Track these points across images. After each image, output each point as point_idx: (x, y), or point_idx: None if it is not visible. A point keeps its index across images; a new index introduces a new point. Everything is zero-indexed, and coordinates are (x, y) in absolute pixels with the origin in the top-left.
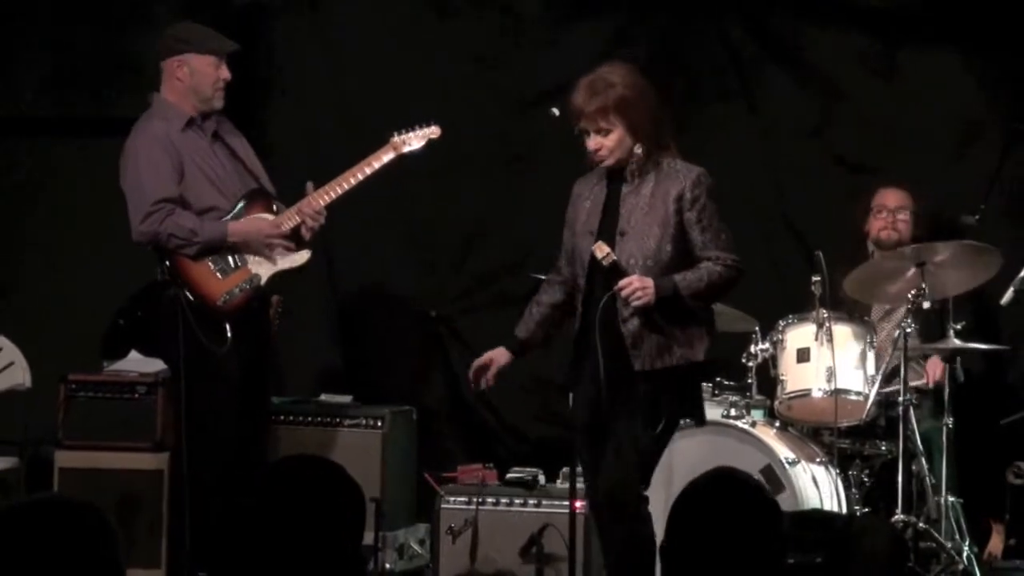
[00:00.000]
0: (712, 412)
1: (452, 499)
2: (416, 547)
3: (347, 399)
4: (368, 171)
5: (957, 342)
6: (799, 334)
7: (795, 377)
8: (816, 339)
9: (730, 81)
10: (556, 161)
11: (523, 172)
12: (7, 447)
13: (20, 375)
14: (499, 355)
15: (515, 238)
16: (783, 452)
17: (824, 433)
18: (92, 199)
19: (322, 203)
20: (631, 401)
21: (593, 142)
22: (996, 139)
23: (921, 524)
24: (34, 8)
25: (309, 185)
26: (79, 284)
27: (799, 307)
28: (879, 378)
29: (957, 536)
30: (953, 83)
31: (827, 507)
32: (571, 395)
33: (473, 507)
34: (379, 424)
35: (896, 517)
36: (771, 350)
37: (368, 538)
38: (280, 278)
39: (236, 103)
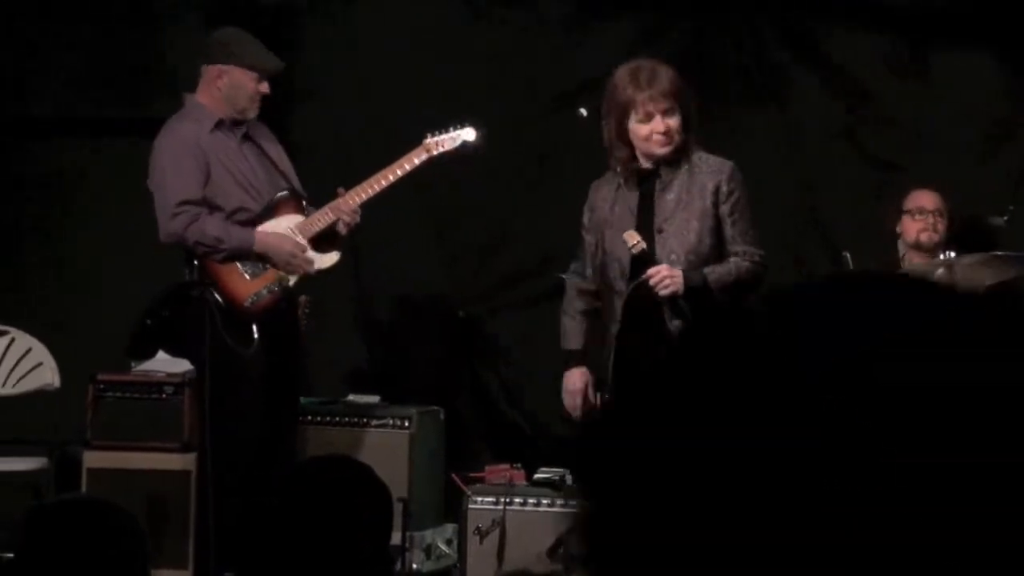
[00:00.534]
0: None
1: (479, 499)
2: (443, 547)
3: (375, 399)
4: (400, 172)
5: None
6: None
7: None
8: None
9: (757, 80)
10: (582, 161)
11: (550, 172)
12: (36, 447)
13: (49, 375)
14: (581, 378)
15: (541, 238)
16: None
17: None
18: (122, 199)
19: (357, 201)
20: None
21: (662, 124)
22: None
23: None
24: (65, 9)
25: (340, 190)
26: (108, 284)
27: None
28: None
29: None
30: (982, 82)
31: None
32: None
33: (501, 507)
34: (406, 424)
35: None
36: None
37: (395, 538)
38: (308, 279)
39: (264, 104)
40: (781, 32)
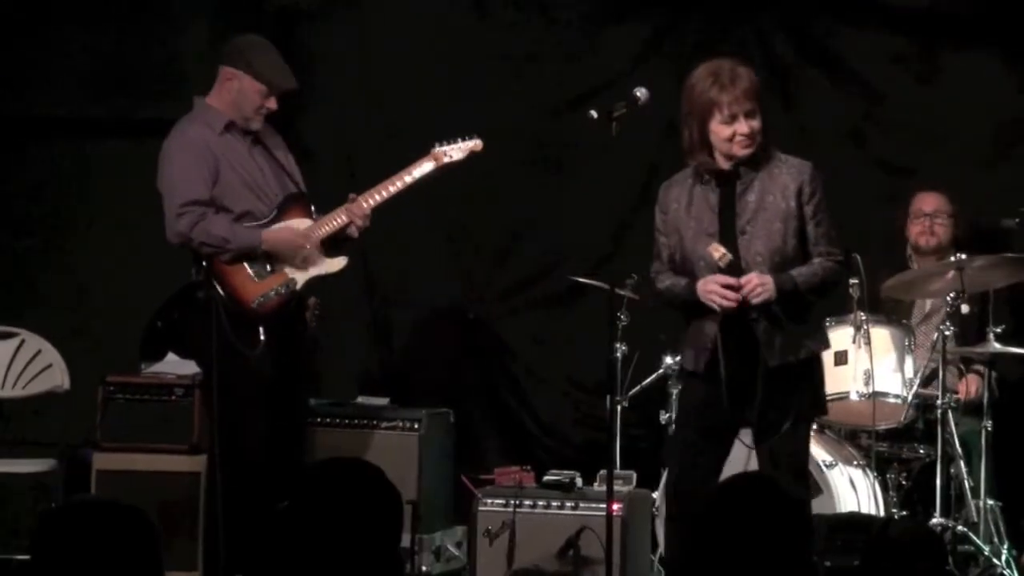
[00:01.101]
0: None
1: (489, 501)
2: (453, 549)
3: (384, 401)
4: (408, 180)
5: (997, 346)
6: (837, 336)
7: (833, 380)
8: (854, 342)
9: (767, 82)
10: (593, 164)
11: (560, 175)
12: (46, 449)
13: (59, 377)
14: (710, 279)
15: (552, 241)
16: (821, 455)
17: (862, 436)
18: (132, 201)
19: (370, 205)
20: (764, 400)
21: (746, 125)
22: None
23: (960, 527)
24: (73, 11)
25: (351, 196)
26: (118, 286)
27: (837, 309)
28: (917, 381)
29: (996, 539)
30: (992, 85)
31: (864, 510)
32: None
33: (510, 509)
34: (416, 426)
35: (934, 520)
36: None
37: (405, 540)
38: (316, 282)
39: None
40: (790, 33)
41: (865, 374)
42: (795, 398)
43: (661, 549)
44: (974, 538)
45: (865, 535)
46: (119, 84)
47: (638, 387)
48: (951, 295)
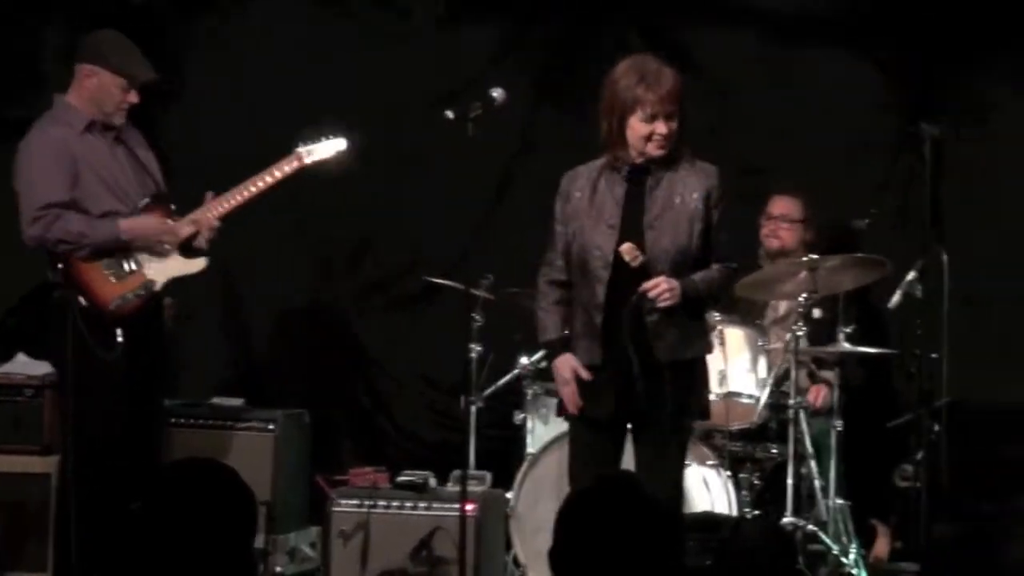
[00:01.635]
0: None
1: (343, 502)
2: (307, 550)
3: (239, 402)
4: (270, 180)
5: (846, 346)
6: None
7: None
8: None
9: None
10: (449, 164)
11: (416, 175)
12: None
13: None
14: (568, 365)
15: (408, 241)
16: None
17: (716, 436)
18: None
19: (216, 214)
20: (659, 395)
21: (664, 127)
22: (888, 143)
23: (810, 526)
24: None
25: (209, 195)
26: None
27: None
28: (770, 381)
29: (845, 538)
30: (846, 87)
31: (717, 510)
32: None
33: (364, 510)
34: (271, 427)
35: (785, 520)
36: None
37: (259, 541)
38: (175, 282)
39: (132, 109)
40: (645, 33)
41: (719, 374)
42: (679, 398)
43: (515, 549)
44: (824, 537)
45: (718, 535)
46: None
47: (493, 387)
48: (803, 296)
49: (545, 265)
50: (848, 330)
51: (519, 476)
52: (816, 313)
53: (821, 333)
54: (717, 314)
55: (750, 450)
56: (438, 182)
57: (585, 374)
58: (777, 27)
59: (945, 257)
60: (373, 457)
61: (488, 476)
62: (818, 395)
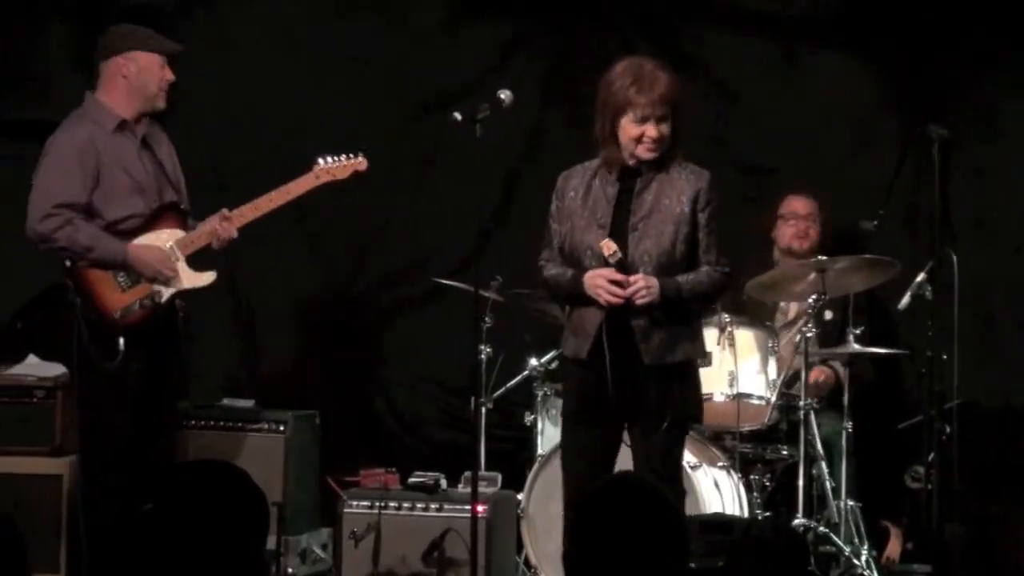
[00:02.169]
0: None
1: (355, 503)
2: (319, 551)
3: (249, 403)
4: (288, 197)
5: (856, 347)
6: None
7: None
8: (718, 343)
9: None
10: (456, 165)
11: (424, 176)
12: None
13: None
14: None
15: (417, 243)
16: (685, 456)
17: (726, 437)
18: None
19: (236, 227)
20: (639, 397)
21: (655, 130)
22: (893, 144)
23: (821, 528)
24: None
25: (224, 211)
26: None
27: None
28: (780, 383)
29: (856, 540)
30: (851, 88)
31: (728, 511)
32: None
33: (376, 511)
34: (281, 428)
35: (797, 521)
36: None
37: (270, 543)
38: (181, 294)
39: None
40: (651, 35)
41: (729, 375)
42: (670, 401)
43: (526, 550)
44: (835, 539)
45: (729, 536)
46: None
47: (503, 389)
48: (813, 297)
49: (542, 260)
50: (858, 331)
51: (530, 477)
52: (827, 315)
53: (831, 334)
54: (727, 315)
55: (761, 451)
56: (446, 183)
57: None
58: (784, 29)
59: (955, 258)
60: (384, 458)
61: (499, 477)
62: (821, 375)
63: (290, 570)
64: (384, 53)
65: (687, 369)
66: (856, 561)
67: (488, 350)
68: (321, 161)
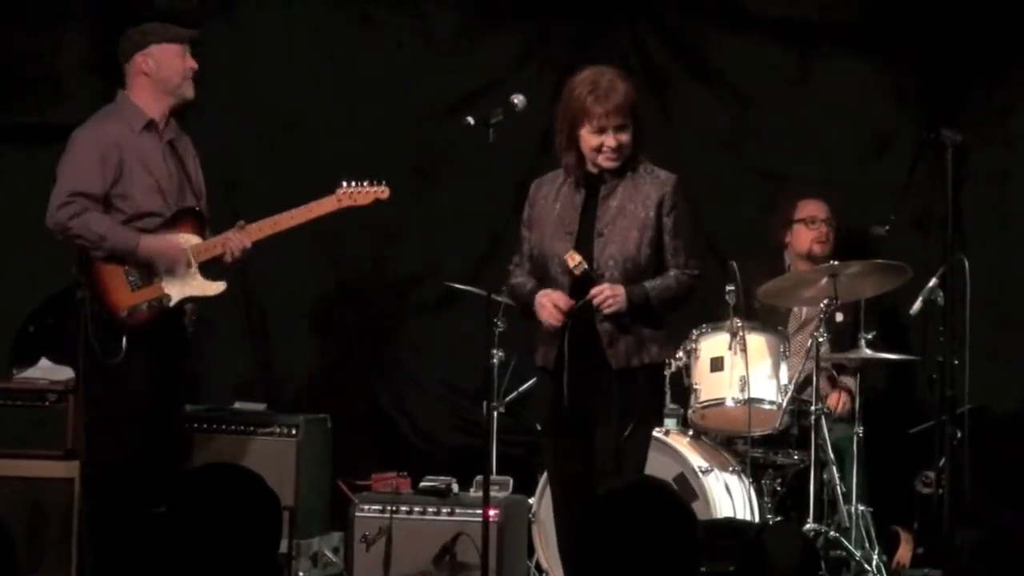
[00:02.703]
0: None
1: (366, 507)
2: (330, 555)
3: (261, 407)
4: (308, 216)
5: (868, 352)
6: (713, 343)
7: (709, 386)
8: (730, 348)
9: (644, 90)
10: (469, 169)
11: (438, 181)
12: None
13: None
14: (547, 294)
15: (428, 247)
16: (696, 461)
17: (737, 442)
18: (8, 206)
19: (251, 240)
20: (605, 401)
21: (614, 139)
22: (906, 149)
23: (832, 533)
24: None
25: (241, 223)
26: None
27: (713, 316)
28: (792, 388)
29: (867, 544)
30: (863, 93)
31: (740, 515)
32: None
33: (387, 515)
34: (293, 432)
35: (808, 526)
36: (685, 359)
37: (282, 546)
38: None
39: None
40: (665, 40)
41: (741, 380)
42: (637, 403)
43: (538, 555)
44: (846, 543)
45: (740, 541)
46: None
47: (515, 393)
48: (825, 302)
49: (511, 266)
50: (869, 336)
51: (541, 482)
52: (839, 317)
53: (843, 340)
54: (739, 320)
55: (772, 456)
56: (459, 188)
57: (564, 302)
58: (797, 34)
59: (967, 263)
60: (395, 462)
61: (510, 482)
62: (838, 401)
63: (302, 574)
64: (401, 56)
65: (653, 372)
66: (867, 566)
67: (500, 354)
68: (344, 184)
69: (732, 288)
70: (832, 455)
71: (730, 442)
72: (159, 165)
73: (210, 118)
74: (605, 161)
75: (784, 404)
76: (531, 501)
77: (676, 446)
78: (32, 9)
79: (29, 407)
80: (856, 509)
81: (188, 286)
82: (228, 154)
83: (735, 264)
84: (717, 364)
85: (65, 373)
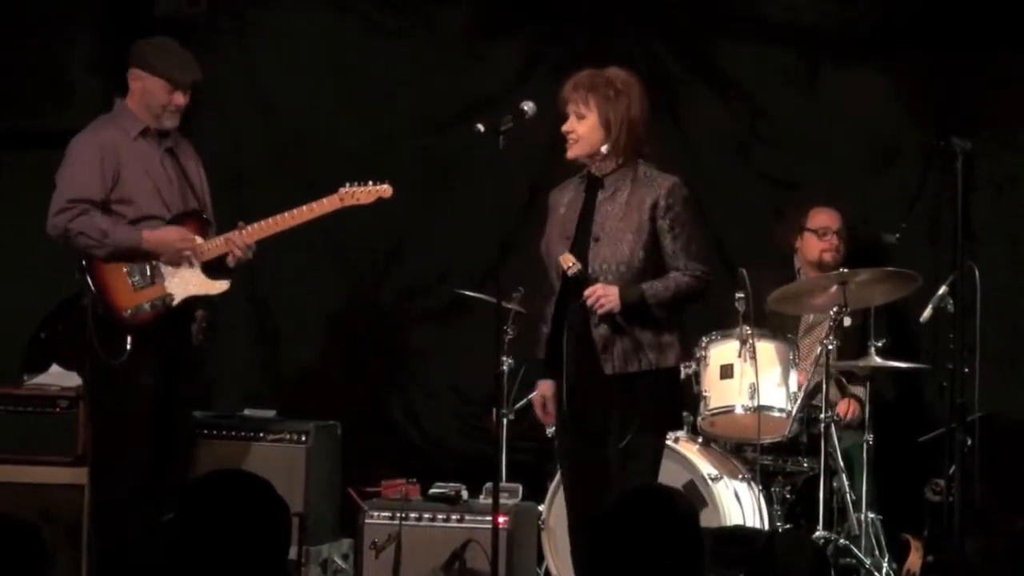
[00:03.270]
0: None
1: (376, 514)
2: (340, 562)
3: (271, 414)
4: (309, 216)
5: (877, 360)
6: (722, 350)
7: (718, 393)
8: (739, 356)
9: (654, 97)
10: (479, 177)
11: (447, 187)
12: None
13: None
14: (546, 389)
15: (439, 254)
16: (706, 468)
17: (747, 449)
18: (15, 211)
19: (253, 239)
20: (604, 405)
21: (567, 124)
22: (916, 157)
23: (842, 540)
24: None
25: (241, 224)
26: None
27: (722, 323)
28: (801, 395)
29: (877, 552)
30: (874, 100)
31: (749, 523)
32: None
33: (397, 522)
34: (303, 439)
35: (817, 533)
36: (694, 366)
37: (292, 553)
38: (195, 301)
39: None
40: (675, 47)
41: (750, 388)
42: (637, 410)
43: (547, 562)
44: (856, 551)
45: (749, 548)
46: (5, 95)
47: (524, 400)
48: (835, 309)
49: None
50: (879, 344)
51: (551, 489)
52: (847, 321)
53: (851, 346)
54: (748, 328)
55: (781, 464)
56: (469, 194)
57: (549, 407)
58: (806, 41)
59: (977, 271)
60: (405, 469)
61: (520, 489)
62: (848, 410)
63: None
64: (410, 62)
65: (655, 378)
66: (877, 574)
67: (510, 361)
68: (347, 185)
69: (742, 295)
70: (842, 463)
71: (739, 449)
72: (157, 170)
73: (218, 124)
74: (568, 147)
75: (794, 412)
76: (541, 508)
77: (686, 453)
78: (38, 15)
79: (40, 413)
80: (866, 517)
81: (191, 285)
82: (236, 162)
83: (745, 272)
84: (727, 371)
85: (76, 379)
